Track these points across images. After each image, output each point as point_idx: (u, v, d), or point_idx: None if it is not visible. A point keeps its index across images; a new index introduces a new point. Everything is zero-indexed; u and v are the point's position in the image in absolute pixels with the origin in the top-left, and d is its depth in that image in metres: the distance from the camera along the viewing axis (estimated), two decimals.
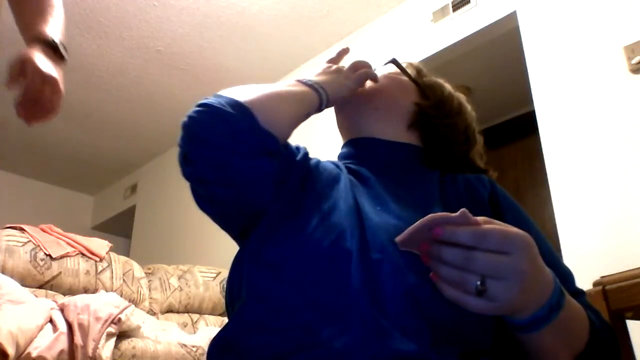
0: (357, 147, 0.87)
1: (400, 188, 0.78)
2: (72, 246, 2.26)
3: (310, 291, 0.63)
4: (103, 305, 1.87)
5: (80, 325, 1.76)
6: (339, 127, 0.93)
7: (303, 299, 0.63)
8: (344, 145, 0.91)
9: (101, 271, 2.30)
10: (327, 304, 0.62)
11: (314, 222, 0.69)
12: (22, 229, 2.19)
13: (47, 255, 2.13)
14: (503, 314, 0.53)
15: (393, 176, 0.81)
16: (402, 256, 0.63)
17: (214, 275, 2.86)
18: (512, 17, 2.33)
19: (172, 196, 3.99)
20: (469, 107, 0.94)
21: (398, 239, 0.53)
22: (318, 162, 0.81)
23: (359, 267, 0.63)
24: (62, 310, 1.83)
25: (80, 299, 1.89)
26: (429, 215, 0.51)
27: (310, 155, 0.82)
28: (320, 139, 2.12)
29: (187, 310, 2.72)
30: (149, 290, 2.57)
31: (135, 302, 2.37)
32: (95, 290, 2.21)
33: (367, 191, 0.76)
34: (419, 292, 0.61)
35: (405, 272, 0.63)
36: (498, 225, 0.52)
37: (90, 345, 1.71)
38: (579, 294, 0.72)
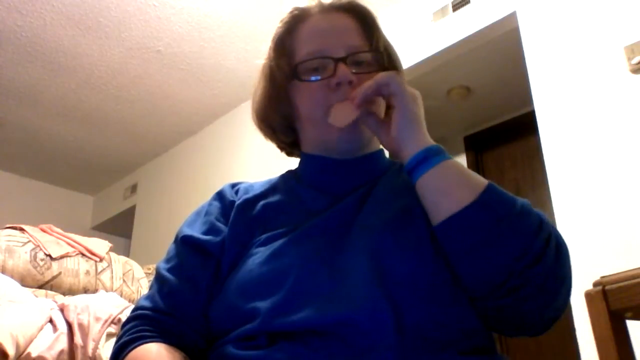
0: None
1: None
2: (72, 246, 2.25)
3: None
4: (103, 305, 1.86)
5: (80, 325, 1.76)
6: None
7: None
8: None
9: (101, 271, 2.30)
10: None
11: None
12: (22, 229, 2.18)
13: (47, 255, 2.13)
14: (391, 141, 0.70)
15: None
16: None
17: None
18: (512, 18, 2.33)
19: (172, 196, 3.99)
20: None
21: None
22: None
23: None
24: (62, 310, 1.82)
25: (80, 299, 1.89)
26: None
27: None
28: None
29: None
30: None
31: (135, 302, 2.37)
32: (95, 291, 2.21)
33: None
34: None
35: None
36: None
37: (90, 345, 1.71)
38: None
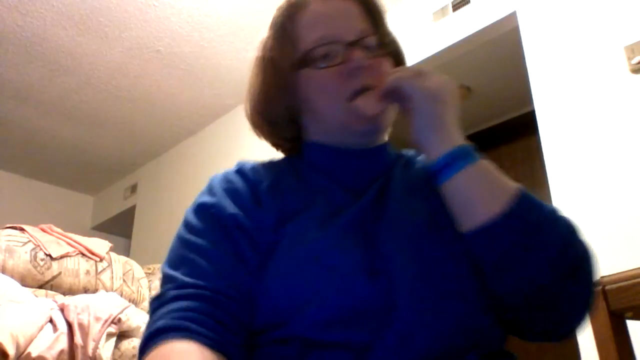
0: None
1: None
2: (72, 246, 2.25)
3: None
4: (103, 305, 1.87)
5: (80, 325, 1.76)
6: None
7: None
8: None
9: (101, 271, 2.30)
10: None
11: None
12: (22, 229, 2.19)
13: (47, 255, 2.13)
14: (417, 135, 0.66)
15: None
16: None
17: None
18: (512, 17, 2.33)
19: (172, 196, 3.99)
20: None
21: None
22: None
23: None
24: (62, 310, 1.83)
25: (80, 299, 1.89)
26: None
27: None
28: None
29: None
30: (149, 290, 2.57)
31: (135, 302, 2.37)
32: (95, 290, 2.21)
33: None
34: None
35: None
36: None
37: (91, 345, 1.71)
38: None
